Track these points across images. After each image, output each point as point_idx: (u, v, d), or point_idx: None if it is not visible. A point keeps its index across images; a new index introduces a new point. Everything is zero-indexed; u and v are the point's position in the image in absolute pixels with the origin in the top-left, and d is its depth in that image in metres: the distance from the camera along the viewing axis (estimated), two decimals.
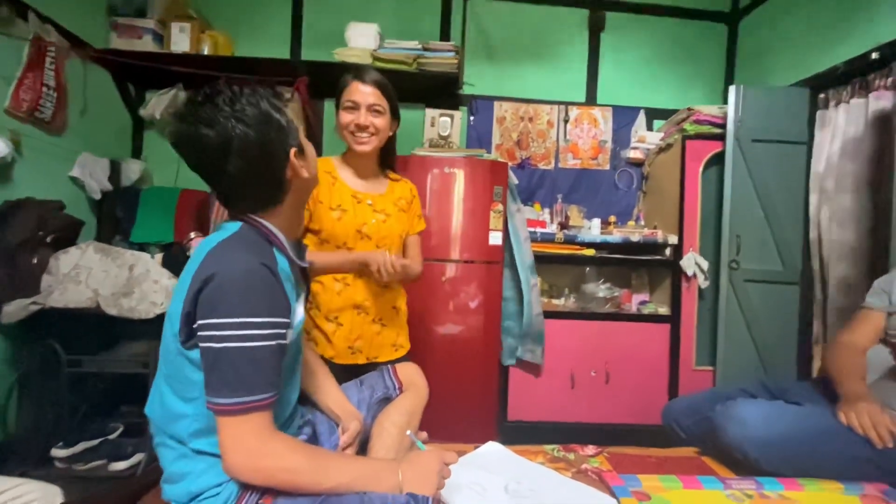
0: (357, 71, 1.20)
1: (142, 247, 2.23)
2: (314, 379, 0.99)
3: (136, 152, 2.53)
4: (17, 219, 1.72)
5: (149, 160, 2.51)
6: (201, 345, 0.68)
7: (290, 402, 0.85)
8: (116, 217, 2.27)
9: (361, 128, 1.17)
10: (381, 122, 1.19)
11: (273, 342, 0.69)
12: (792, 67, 2.37)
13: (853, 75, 2.03)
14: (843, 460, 1.02)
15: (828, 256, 2.11)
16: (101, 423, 1.92)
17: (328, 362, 1.13)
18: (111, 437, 1.87)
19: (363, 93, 1.17)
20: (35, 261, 1.75)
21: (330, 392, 0.98)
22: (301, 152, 0.80)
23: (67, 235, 1.91)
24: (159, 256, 2.10)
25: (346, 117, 1.18)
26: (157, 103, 2.39)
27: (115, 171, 2.27)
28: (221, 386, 0.66)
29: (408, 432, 0.93)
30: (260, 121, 0.73)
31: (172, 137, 0.74)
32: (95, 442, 1.81)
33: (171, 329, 0.73)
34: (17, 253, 1.71)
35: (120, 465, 1.74)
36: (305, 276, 0.91)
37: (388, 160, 1.31)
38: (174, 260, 2.10)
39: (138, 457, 1.76)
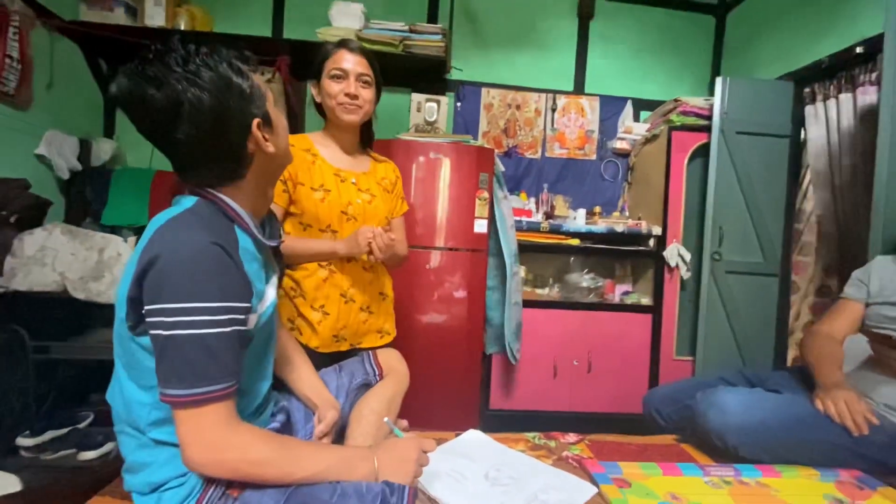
0: (342, 40, 1.14)
1: (113, 229, 2.15)
2: (290, 365, 0.95)
3: (108, 131, 2.43)
4: None
5: (121, 140, 2.41)
6: (150, 332, 0.63)
7: (261, 391, 0.81)
8: (86, 198, 2.18)
9: (352, 97, 1.12)
10: (369, 93, 1.15)
11: (228, 328, 0.64)
12: (777, 60, 2.38)
13: (838, 69, 2.05)
14: (821, 447, 1.04)
15: (816, 250, 2.15)
16: (70, 412, 1.85)
17: (311, 352, 1.08)
18: (80, 425, 1.81)
19: (352, 61, 1.11)
20: None
21: (307, 379, 0.94)
22: (267, 124, 0.72)
23: (33, 216, 1.81)
24: (132, 240, 2.02)
25: (333, 86, 1.11)
26: None
27: (84, 151, 2.17)
28: (171, 376, 0.61)
29: (385, 419, 0.91)
30: (216, 85, 0.65)
31: (116, 92, 0.65)
32: (64, 431, 1.74)
33: (119, 313, 0.67)
34: None
35: (89, 455, 1.68)
36: (278, 255, 0.86)
37: (368, 136, 1.26)
38: None
39: (109, 446, 1.70)
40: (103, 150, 2.24)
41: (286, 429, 0.85)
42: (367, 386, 1.01)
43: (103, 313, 1.70)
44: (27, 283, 1.59)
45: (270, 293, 0.77)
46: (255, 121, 0.70)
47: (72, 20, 2.09)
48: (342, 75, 1.11)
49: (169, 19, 2.20)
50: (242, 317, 0.66)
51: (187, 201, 0.71)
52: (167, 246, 0.62)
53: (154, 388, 0.65)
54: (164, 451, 0.68)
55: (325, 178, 1.15)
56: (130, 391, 0.69)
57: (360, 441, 0.90)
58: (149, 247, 0.63)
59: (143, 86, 0.63)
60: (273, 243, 0.79)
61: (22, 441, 1.65)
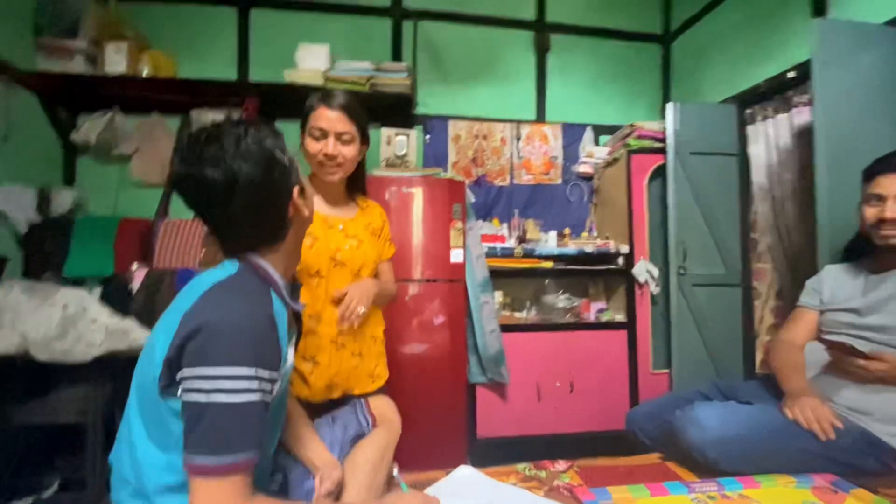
0: (324, 95, 1.13)
1: (77, 282, 2.06)
2: (292, 427, 0.94)
3: (69, 179, 2.36)
4: None
5: (83, 188, 2.34)
6: (185, 397, 0.63)
7: (269, 454, 0.81)
8: (45, 251, 2.08)
9: (330, 157, 1.12)
10: (350, 150, 1.14)
11: (261, 397, 0.65)
12: (721, 85, 2.57)
13: (774, 92, 2.23)
14: (794, 454, 1.09)
15: (773, 259, 2.28)
16: (35, 479, 1.74)
17: (302, 402, 1.06)
18: (46, 493, 1.69)
19: (330, 119, 1.10)
20: None
21: (309, 443, 0.93)
22: (302, 191, 0.79)
23: None
24: (97, 291, 1.96)
25: (313, 146, 1.12)
26: (91, 128, 2.25)
27: (43, 201, 2.09)
28: (202, 443, 0.61)
29: (395, 474, 0.91)
30: (265, 160, 0.72)
31: (175, 178, 0.72)
32: (29, 501, 1.63)
33: (151, 371, 0.66)
34: None
35: None
36: (297, 318, 0.88)
37: (357, 183, 1.26)
38: (115, 294, 1.96)
39: None
40: (63, 199, 2.17)
41: (283, 489, 0.83)
42: (360, 437, 1.00)
43: (68, 373, 1.61)
44: None
45: (290, 355, 0.79)
46: (296, 189, 0.77)
47: (29, 71, 2.05)
48: (321, 135, 1.11)
49: (131, 66, 2.18)
50: (271, 386, 0.67)
51: (230, 267, 0.75)
52: (213, 314, 0.65)
53: (172, 450, 0.65)
54: None
55: (313, 225, 1.15)
56: (145, 451, 0.68)
57: (355, 492, 0.89)
58: (194, 313, 0.65)
59: (202, 167, 0.68)
60: (298, 308, 0.82)
61: None
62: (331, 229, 1.17)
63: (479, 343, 2.16)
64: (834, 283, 1.35)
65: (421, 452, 1.81)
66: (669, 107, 2.40)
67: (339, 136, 1.12)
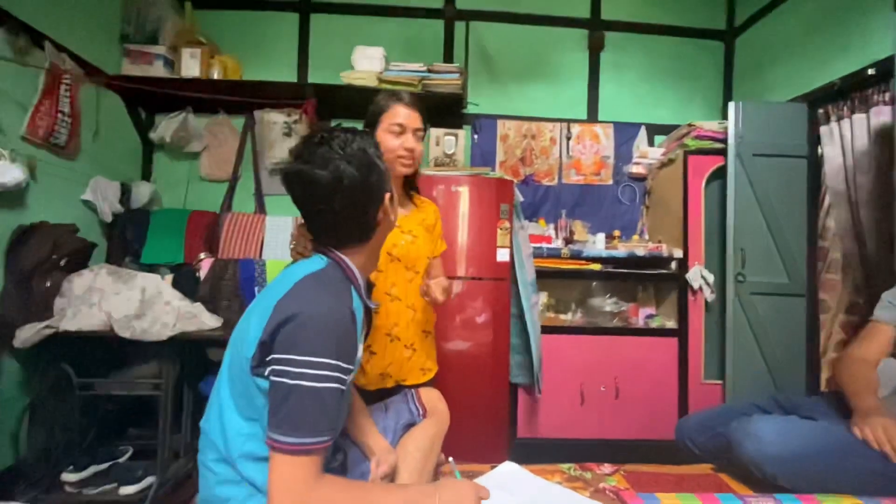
0: (394, 94, 1.21)
1: (151, 268, 2.25)
2: (353, 414, 1.01)
3: (146, 175, 2.57)
4: (31, 243, 1.74)
5: (158, 182, 2.55)
6: (273, 378, 0.69)
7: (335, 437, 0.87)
8: (127, 239, 2.30)
9: (409, 151, 1.18)
10: (421, 146, 1.22)
11: (340, 385, 0.71)
12: (788, 83, 2.42)
13: (851, 90, 2.07)
14: (860, 475, 1.02)
15: (842, 268, 2.13)
16: (111, 447, 1.91)
17: (359, 389, 1.12)
18: (121, 460, 1.86)
19: (409, 116, 1.18)
20: (48, 284, 1.76)
21: (368, 429, 0.99)
22: (391, 198, 0.86)
23: (80, 258, 1.93)
24: (169, 277, 2.12)
25: (392, 141, 1.17)
26: (167, 127, 2.44)
27: (125, 194, 2.30)
28: (284, 422, 0.67)
29: (450, 460, 0.96)
30: (366, 165, 0.79)
31: (285, 173, 0.79)
32: (105, 466, 1.80)
33: (244, 350, 0.73)
34: (32, 276, 1.73)
35: (130, 489, 1.73)
36: (369, 315, 0.94)
37: (413, 181, 1.31)
38: (184, 281, 2.12)
39: (148, 480, 1.75)
40: (142, 192, 2.37)
41: (342, 467, 0.89)
42: (411, 425, 1.05)
43: (144, 350, 1.77)
44: (76, 324, 1.68)
45: (360, 349, 0.84)
46: (387, 195, 0.85)
47: (116, 75, 2.25)
48: (401, 130, 1.18)
49: (203, 69, 2.35)
50: (347, 377, 0.73)
51: (320, 260, 0.82)
52: (307, 305, 0.71)
53: (256, 421, 0.72)
54: (246, 488, 0.73)
55: None
56: (232, 419, 0.75)
57: (405, 478, 0.93)
58: (288, 301, 0.72)
59: (311, 165, 0.76)
60: (372, 305, 0.89)
61: (66, 476, 1.71)
62: None
63: (533, 343, 2.15)
64: None
65: (463, 447, 1.84)
66: (731, 106, 2.29)
67: (415, 132, 1.19)
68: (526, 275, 2.20)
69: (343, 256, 0.83)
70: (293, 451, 0.66)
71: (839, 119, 2.14)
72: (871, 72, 1.95)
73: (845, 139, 2.10)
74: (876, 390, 1.17)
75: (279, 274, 0.82)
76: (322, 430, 0.68)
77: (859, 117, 2.04)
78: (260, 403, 0.72)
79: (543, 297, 2.45)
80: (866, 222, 2.05)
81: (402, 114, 1.18)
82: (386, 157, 1.19)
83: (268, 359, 0.70)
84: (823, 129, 2.21)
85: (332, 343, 0.70)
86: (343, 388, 0.72)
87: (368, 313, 0.92)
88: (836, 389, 1.28)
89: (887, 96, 1.92)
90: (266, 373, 0.70)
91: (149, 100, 2.42)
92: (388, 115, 1.18)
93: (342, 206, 0.78)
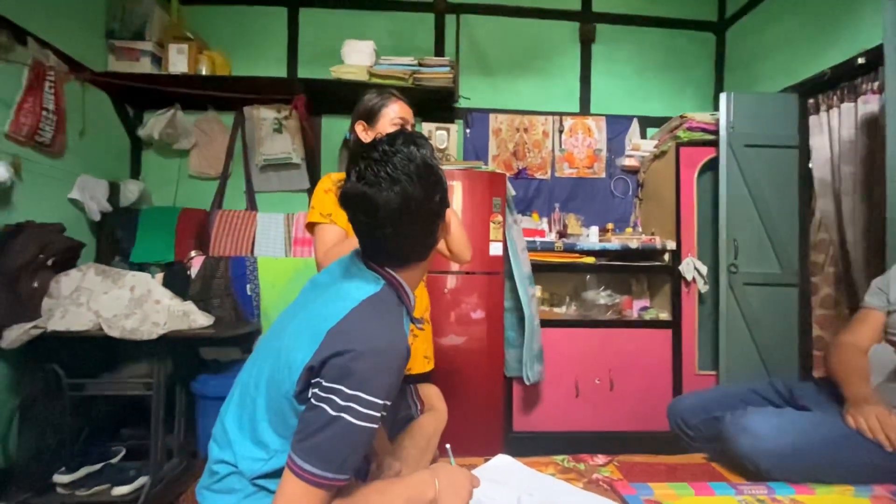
0: (391, 92, 1.28)
1: (142, 267, 2.23)
2: None
3: (135, 172, 2.54)
4: (17, 243, 1.71)
5: (147, 180, 2.52)
6: (316, 402, 0.65)
7: None
8: (116, 238, 2.27)
9: None
10: None
11: (375, 425, 0.67)
12: (779, 74, 2.42)
13: (840, 80, 2.08)
14: (855, 466, 1.02)
15: (832, 257, 2.15)
16: (103, 447, 1.90)
17: None
18: (113, 460, 1.85)
19: (407, 111, 1.27)
20: (36, 284, 1.74)
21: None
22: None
23: (68, 258, 1.90)
24: (160, 276, 2.10)
25: None
26: (155, 124, 2.41)
27: (113, 192, 2.27)
28: (315, 452, 0.64)
29: (447, 446, 0.95)
30: (432, 184, 0.73)
31: (348, 196, 0.72)
32: (98, 466, 1.78)
33: (287, 372, 0.69)
34: (18, 277, 1.70)
35: (123, 490, 1.71)
36: None
37: None
38: (175, 279, 2.10)
39: (142, 480, 1.74)
40: (131, 190, 2.34)
41: None
42: (409, 419, 1.04)
43: (135, 349, 1.75)
44: (65, 324, 1.66)
45: None
46: (448, 210, 0.79)
47: (102, 71, 2.22)
48: (403, 123, 1.25)
49: (191, 65, 2.32)
50: (385, 414, 0.69)
51: (375, 283, 0.76)
52: (365, 340, 0.66)
53: (287, 439, 0.68)
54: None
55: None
56: (265, 434, 0.72)
57: (402, 474, 0.93)
58: (344, 330, 0.67)
59: (377, 189, 0.69)
60: (420, 326, 0.87)
61: (58, 478, 1.69)
62: None
63: (528, 336, 2.15)
64: None
65: (458, 440, 1.84)
66: (723, 97, 2.29)
67: (412, 126, 1.28)
68: (522, 268, 2.20)
69: (399, 278, 0.77)
70: (314, 482, 0.63)
71: (828, 109, 2.15)
72: (860, 61, 1.95)
73: (833, 129, 2.11)
74: (868, 377, 1.17)
75: (328, 285, 0.76)
76: (348, 468, 0.65)
77: (847, 106, 2.05)
78: (293, 423, 0.68)
79: (538, 291, 2.45)
80: (847, 212, 2.07)
81: (403, 109, 1.26)
82: None
83: (313, 381, 0.66)
84: (813, 119, 2.22)
85: (386, 382, 0.66)
86: (377, 425, 0.68)
87: None
88: (829, 375, 1.28)
89: (875, 85, 1.93)
90: (308, 395, 0.67)
91: (136, 96, 2.39)
92: (390, 111, 1.25)
93: (409, 229, 0.72)
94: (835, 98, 2.12)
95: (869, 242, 2.02)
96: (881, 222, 1.98)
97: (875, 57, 1.85)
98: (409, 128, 1.23)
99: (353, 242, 0.99)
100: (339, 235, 1.18)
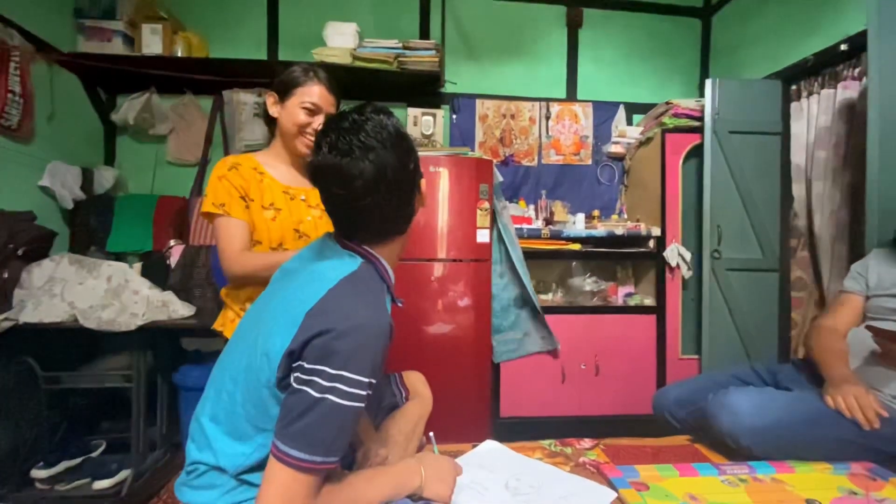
0: (316, 72, 1.14)
1: (119, 256, 2.16)
2: None
3: (109, 159, 2.45)
4: None
5: (123, 167, 2.43)
6: (298, 386, 0.62)
7: None
8: (90, 226, 2.19)
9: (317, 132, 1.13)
10: None
11: (361, 404, 0.64)
12: (764, 60, 2.43)
13: (823, 67, 2.10)
14: (833, 443, 1.05)
15: (809, 242, 2.20)
16: (83, 441, 1.86)
17: None
18: (94, 454, 1.81)
19: (327, 99, 1.14)
20: (6, 275, 1.67)
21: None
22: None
23: (39, 247, 1.83)
24: (138, 266, 2.04)
25: (302, 118, 1.12)
26: (130, 108, 2.32)
27: (87, 179, 2.19)
28: (300, 437, 0.61)
29: (430, 434, 0.95)
30: (405, 150, 0.70)
31: (320, 167, 0.68)
32: (77, 460, 1.75)
33: (266, 363, 0.66)
34: None
35: (104, 484, 1.68)
36: None
37: None
38: (154, 269, 2.04)
39: (123, 474, 1.71)
40: (105, 177, 2.26)
41: None
42: (394, 407, 1.03)
43: (114, 341, 1.70)
44: (37, 315, 1.61)
45: None
46: (422, 180, 0.77)
47: (71, 52, 2.12)
48: (315, 110, 1.13)
49: (166, 46, 2.23)
50: (371, 392, 0.66)
51: (352, 262, 0.72)
52: (345, 319, 0.63)
53: (267, 433, 0.66)
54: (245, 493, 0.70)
55: (274, 196, 1.14)
56: (242, 427, 0.69)
57: (388, 461, 0.92)
58: (322, 311, 0.64)
59: (351, 158, 0.66)
60: (399, 303, 0.83)
61: (36, 473, 1.65)
62: (293, 200, 1.16)
63: (535, 306, 2.24)
64: (881, 267, 1.28)
65: (446, 427, 1.84)
66: (708, 83, 2.29)
67: (327, 115, 1.11)
68: (519, 252, 2.21)
69: (376, 254, 0.75)
70: (302, 467, 0.61)
71: (809, 95, 2.17)
72: (843, 47, 1.96)
73: (812, 115, 2.14)
74: (846, 359, 1.20)
75: (300, 270, 0.72)
76: (336, 450, 0.63)
77: (827, 93, 2.07)
78: (274, 413, 0.65)
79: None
80: (816, 197, 2.11)
81: (321, 95, 1.13)
82: (289, 131, 1.13)
83: (294, 365, 0.64)
84: (794, 106, 2.24)
85: (370, 359, 0.63)
86: (363, 404, 0.65)
87: None
88: (809, 357, 1.31)
89: (857, 71, 1.95)
90: (289, 384, 0.64)
91: (108, 79, 2.29)
92: (305, 91, 1.12)
93: (386, 200, 0.69)
94: (816, 84, 2.14)
95: (836, 228, 2.07)
96: (848, 207, 2.04)
97: (858, 43, 1.86)
98: (318, 119, 1.10)
99: (281, 257, 0.95)
100: (243, 230, 1.08)
